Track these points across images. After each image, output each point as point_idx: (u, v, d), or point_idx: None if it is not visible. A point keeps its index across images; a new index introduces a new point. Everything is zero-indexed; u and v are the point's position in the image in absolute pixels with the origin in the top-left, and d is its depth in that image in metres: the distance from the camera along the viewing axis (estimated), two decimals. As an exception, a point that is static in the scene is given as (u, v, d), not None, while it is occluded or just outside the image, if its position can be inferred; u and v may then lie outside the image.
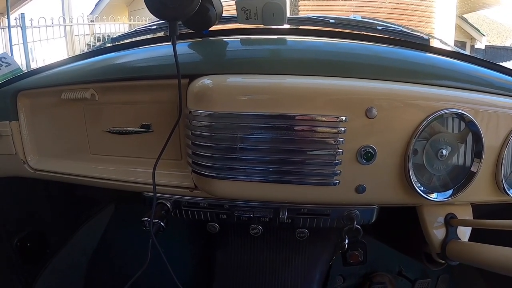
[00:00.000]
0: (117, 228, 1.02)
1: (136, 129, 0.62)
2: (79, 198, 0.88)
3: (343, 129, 0.51)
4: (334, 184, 0.54)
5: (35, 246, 0.92)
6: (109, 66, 0.65)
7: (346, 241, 0.60)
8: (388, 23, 0.89)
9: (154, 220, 0.56)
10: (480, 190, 0.58)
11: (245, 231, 0.64)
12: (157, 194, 0.59)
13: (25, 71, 0.76)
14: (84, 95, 0.63)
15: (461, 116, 0.53)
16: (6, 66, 0.77)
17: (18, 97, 0.73)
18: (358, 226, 0.58)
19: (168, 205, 0.60)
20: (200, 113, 0.52)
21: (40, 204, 0.88)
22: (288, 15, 0.62)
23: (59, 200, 0.84)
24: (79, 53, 0.78)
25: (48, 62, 0.82)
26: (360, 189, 0.55)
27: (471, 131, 0.54)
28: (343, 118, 0.51)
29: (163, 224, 0.57)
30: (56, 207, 0.90)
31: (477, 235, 0.59)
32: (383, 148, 0.53)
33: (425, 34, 0.84)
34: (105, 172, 0.65)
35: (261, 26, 0.61)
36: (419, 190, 0.54)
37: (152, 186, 0.57)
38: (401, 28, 0.85)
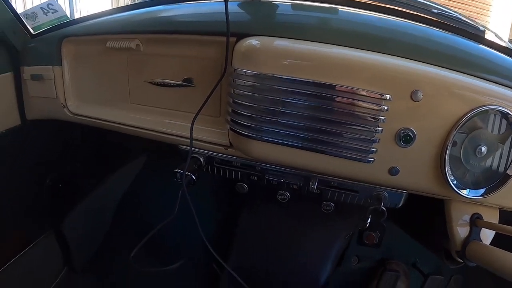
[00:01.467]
0: (147, 177, 1.06)
1: (178, 82, 0.64)
2: (114, 146, 0.92)
3: (385, 107, 0.51)
4: (368, 162, 0.54)
5: (65, 187, 0.98)
6: (156, 18, 0.67)
7: (369, 220, 0.61)
8: (445, 7, 0.87)
9: (187, 173, 0.59)
10: (512, 195, 0.57)
11: (272, 196, 0.65)
12: (192, 148, 0.61)
13: (71, 19, 0.79)
14: (130, 45, 0.65)
15: (506, 116, 0.52)
16: (52, 13, 0.80)
17: (63, 44, 0.76)
18: (384, 208, 0.59)
19: (201, 160, 0.62)
20: (245, 72, 0.54)
21: (75, 148, 0.93)
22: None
23: (93, 146, 0.88)
24: (124, 5, 0.80)
25: (92, 12, 0.85)
26: (393, 171, 0.55)
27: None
28: (387, 96, 0.51)
29: (194, 178, 0.60)
30: (89, 152, 0.95)
31: (499, 242, 0.58)
32: (423, 134, 0.52)
33: (481, 25, 0.81)
34: (143, 122, 0.67)
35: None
36: (451, 183, 0.54)
37: (187, 140, 0.60)
38: (457, 15, 0.82)
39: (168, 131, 0.64)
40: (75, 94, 0.78)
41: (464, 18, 0.81)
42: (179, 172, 0.59)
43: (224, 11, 0.53)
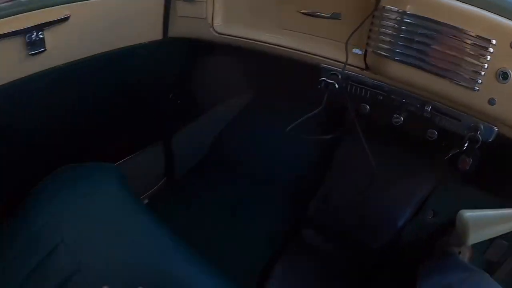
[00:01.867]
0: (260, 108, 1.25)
1: (327, 15, 0.80)
2: (241, 70, 1.05)
3: (491, 50, 0.64)
4: (475, 90, 0.67)
5: (184, 103, 1.15)
6: None
7: (466, 144, 0.76)
8: None
9: (329, 81, 0.76)
10: None
11: (387, 118, 0.81)
12: (330, 67, 0.78)
13: None
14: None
15: None
16: None
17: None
18: (480, 136, 0.72)
19: (339, 76, 0.79)
20: (391, 9, 0.67)
21: (202, 69, 1.09)
22: None
23: (221, 68, 1.03)
24: None
25: None
26: (491, 102, 0.67)
27: None
28: (493, 41, 0.63)
29: (337, 86, 0.77)
30: (214, 75, 1.10)
31: None
32: None
33: None
34: (290, 42, 0.83)
35: None
36: None
37: (330, 61, 0.76)
38: None
39: (314, 52, 0.80)
40: (224, 16, 0.93)
41: None
42: (324, 80, 0.76)
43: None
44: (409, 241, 1.15)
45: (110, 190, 0.79)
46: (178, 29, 1.00)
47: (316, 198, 1.24)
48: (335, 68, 0.79)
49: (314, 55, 0.81)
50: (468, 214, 0.69)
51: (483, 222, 0.69)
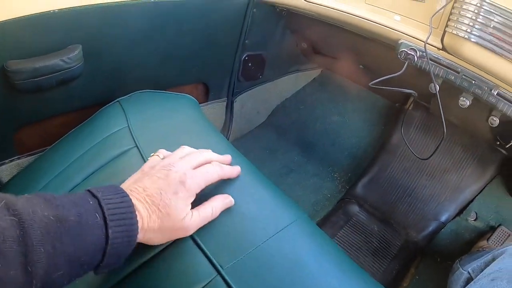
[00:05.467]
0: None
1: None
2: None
3: None
4: None
5: (255, 67, 1.31)
6: None
7: None
8: None
9: (410, 52, 0.88)
10: None
11: (455, 100, 0.91)
12: (407, 43, 0.90)
13: None
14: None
15: None
16: None
17: None
18: None
19: (417, 52, 0.90)
20: None
21: (281, 36, 1.23)
22: None
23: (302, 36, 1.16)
24: None
25: None
26: None
27: None
28: None
29: (416, 57, 0.88)
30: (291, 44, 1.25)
31: None
32: None
33: None
34: (375, 16, 0.96)
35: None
36: None
37: (408, 36, 0.88)
38: None
39: (397, 28, 0.92)
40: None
41: None
42: (405, 51, 0.88)
43: None
44: (448, 237, 1.23)
45: (189, 114, 0.86)
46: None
47: (365, 177, 1.35)
48: (415, 45, 0.90)
49: (394, 30, 0.93)
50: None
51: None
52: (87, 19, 0.85)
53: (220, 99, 1.36)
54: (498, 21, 0.77)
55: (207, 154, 0.58)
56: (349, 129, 1.51)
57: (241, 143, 1.48)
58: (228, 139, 1.37)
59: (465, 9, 0.80)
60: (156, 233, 0.49)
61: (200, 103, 1.29)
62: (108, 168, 0.71)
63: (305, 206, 1.32)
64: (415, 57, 0.88)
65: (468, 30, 0.81)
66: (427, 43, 0.88)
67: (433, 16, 0.85)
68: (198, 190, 0.52)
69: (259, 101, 1.50)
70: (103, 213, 0.42)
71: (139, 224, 0.45)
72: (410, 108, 1.36)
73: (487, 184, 1.23)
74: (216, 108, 1.37)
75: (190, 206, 0.51)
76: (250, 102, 1.46)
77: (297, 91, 1.61)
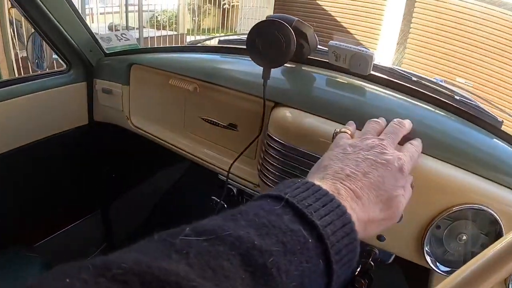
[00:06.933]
0: (189, 181, 1.32)
1: (225, 124, 0.84)
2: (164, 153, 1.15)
3: None
4: None
5: (117, 178, 1.25)
6: (210, 69, 0.84)
7: (359, 268, 0.76)
8: (467, 96, 0.93)
9: (221, 201, 0.82)
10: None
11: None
12: (228, 181, 0.83)
13: (140, 48, 1.00)
14: (188, 87, 0.85)
15: (489, 215, 0.59)
16: (125, 40, 1.01)
17: (132, 67, 0.97)
18: (372, 263, 0.73)
19: (234, 190, 0.84)
20: (275, 138, 0.69)
21: (132, 149, 1.17)
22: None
23: (147, 150, 1.11)
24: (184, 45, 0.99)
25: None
26: (381, 238, 0.67)
27: (497, 233, 0.60)
28: None
29: (226, 206, 0.82)
30: (142, 154, 1.19)
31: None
32: (409, 216, 0.60)
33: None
34: (192, 149, 0.89)
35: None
36: (428, 259, 0.63)
37: (226, 172, 0.81)
38: (477, 104, 0.89)
39: (212, 162, 0.86)
40: (138, 111, 1.00)
41: (483, 107, 0.88)
42: (215, 199, 0.82)
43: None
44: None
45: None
46: (102, 115, 1.09)
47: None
48: (232, 181, 0.84)
49: (212, 164, 0.86)
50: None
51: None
52: None
53: (95, 211, 1.32)
54: (302, 168, 0.69)
55: (407, 125, 0.54)
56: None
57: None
58: (112, 244, 1.35)
59: (267, 157, 0.73)
60: (372, 226, 0.43)
61: (74, 222, 1.25)
62: None
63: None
64: (224, 205, 0.83)
65: (275, 174, 0.74)
66: (244, 179, 0.82)
67: (237, 158, 0.79)
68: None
69: (131, 206, 1.45)
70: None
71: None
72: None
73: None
74: (93, 220, 1.33)
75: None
76: (125, 206, 1.42)
77: (165, 188, 1.53)
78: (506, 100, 5.10)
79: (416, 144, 0.52)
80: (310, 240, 0.31)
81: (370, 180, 0.41)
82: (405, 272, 0.92)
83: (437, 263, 0.65)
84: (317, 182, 0.37)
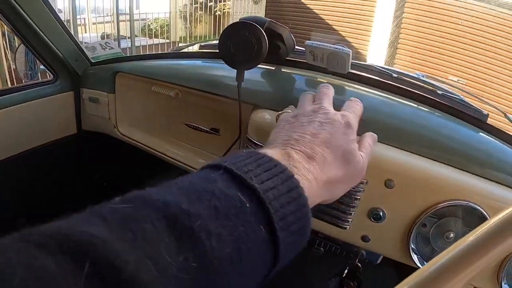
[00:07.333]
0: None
1: (207, 129, 0.85)
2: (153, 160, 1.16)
3: (362, 189, 0.60)
4: (345, 228, 0.65)
5: (109, 185, 1.26)
6: (192, 74, 0.85)
7: (346, 270, 0.77)
8: (450, 91, 0.94)
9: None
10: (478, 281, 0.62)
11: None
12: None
13: (124, 56, 1.02)
14: (170, 93, 0.87)
15: (476, 211, 0.57)
16: (109, 49, 1.03)
17: (117, 75, 0.99)
18: (359, 264, 0.73)
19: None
20: (254, 141, 0.68)
21: (122, 157, 1.18)
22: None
23: (136, 158, 1.11)
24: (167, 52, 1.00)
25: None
26: (365, 239, 0.66)
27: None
28: (365, 181, 0.59)
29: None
30: (133, 162, 1.20)
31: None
32: (393, 215, 0.61)
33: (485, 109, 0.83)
34: (177, 155, 0.90)
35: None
36: (414, 258, 0.63)
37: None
38: (461, 98, 0.91)
39: (197, 167, 0.86)
40: (125, 119, 1.02)
41: (467, 101, 0.88)
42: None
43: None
44: None
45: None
46: (90, 124, 1.10)
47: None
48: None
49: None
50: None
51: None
52: None
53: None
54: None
55: (331, 91, 0.54)
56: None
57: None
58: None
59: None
60: (336, 186, 0.42)
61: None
62: None
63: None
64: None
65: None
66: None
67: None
68: None
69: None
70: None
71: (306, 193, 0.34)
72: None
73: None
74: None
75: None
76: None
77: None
78: (500, 96, 5.14)
79: (358, 103, 0.53)
80: (248, 205, 0.29)
81: (320, 139, 0.41)
82: (399, 273, 0.90)
83: (425, 262, 0.64)
84: (268, 152, 0.36)
